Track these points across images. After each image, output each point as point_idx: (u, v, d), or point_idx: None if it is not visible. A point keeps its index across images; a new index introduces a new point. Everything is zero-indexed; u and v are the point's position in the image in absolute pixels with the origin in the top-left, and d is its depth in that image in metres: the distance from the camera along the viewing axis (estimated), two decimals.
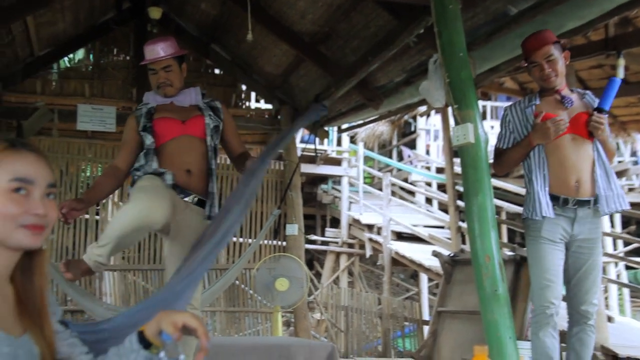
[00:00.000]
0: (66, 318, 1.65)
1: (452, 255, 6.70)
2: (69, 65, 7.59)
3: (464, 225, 9.18)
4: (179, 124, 3.51)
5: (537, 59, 3.48)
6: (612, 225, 10.66)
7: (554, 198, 3.41)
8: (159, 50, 3.49)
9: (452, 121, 9.39)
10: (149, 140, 3.43)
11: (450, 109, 4.53)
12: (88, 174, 7.46)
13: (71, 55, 7.52)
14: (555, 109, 3.49)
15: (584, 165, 3.43)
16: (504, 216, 9.84)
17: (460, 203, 9.33)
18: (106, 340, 1.57)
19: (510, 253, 5.80)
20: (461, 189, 8.58)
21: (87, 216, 6.96)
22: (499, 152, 3.65)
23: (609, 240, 9.82)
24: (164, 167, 3.40)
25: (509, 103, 3.77)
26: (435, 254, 6.97)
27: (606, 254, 8.68)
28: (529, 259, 3.55)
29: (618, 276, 10.37)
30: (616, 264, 10.11)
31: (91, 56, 7.32)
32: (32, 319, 1.45)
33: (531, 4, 4.04)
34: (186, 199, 3.44)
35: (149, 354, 1.48)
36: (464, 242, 9.40)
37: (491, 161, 3.59)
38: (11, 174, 1.40)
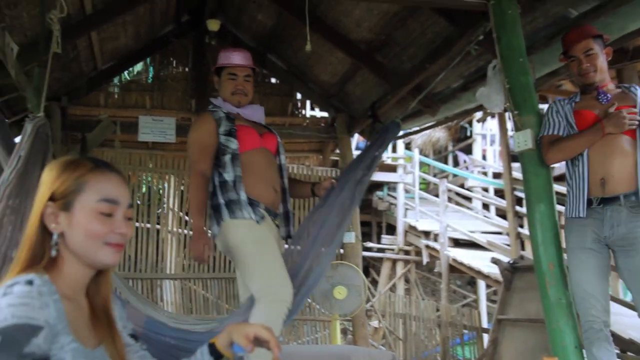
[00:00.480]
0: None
1: (511, 262, 6.59)
2: (129, 78, 7.77)
3: (523, 231, 9.03)
4: (257, 136, 3.47)
5: (576, 53, 3.34)
6: None
7: None
8: (242, 58, 3.53)
9: (509, 126, 9.30)
10: (234, 144, 3.34)
11: (507, 114, 4.49)
12: (149, 184, 7.60)
13: (131, 68, 7.71)
14: (591, 106, 3.31)
15: (613, 161, 3.18)
16: (562, 221, 9.61)
17: (519, 209, 9.17)
18: (186, 349, 1.61)
19: None
20: (519, 194, 8.48)
21: (148, 225, 7.10)
22: (554, 138, 3.34)
23: None
24: (251, 180, 3.31)
25: None
26: (495, 261, 6.86)
27: None
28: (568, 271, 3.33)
29: None
30: None
31: (151, 69, 7.47)
32: (105, 331, 1.49)
33: (593, 6, 3.95)
34: (276, 220, 3.44)
35: None
36: (523, 248, 9.24)
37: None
38: (99, 195, 1.45)
